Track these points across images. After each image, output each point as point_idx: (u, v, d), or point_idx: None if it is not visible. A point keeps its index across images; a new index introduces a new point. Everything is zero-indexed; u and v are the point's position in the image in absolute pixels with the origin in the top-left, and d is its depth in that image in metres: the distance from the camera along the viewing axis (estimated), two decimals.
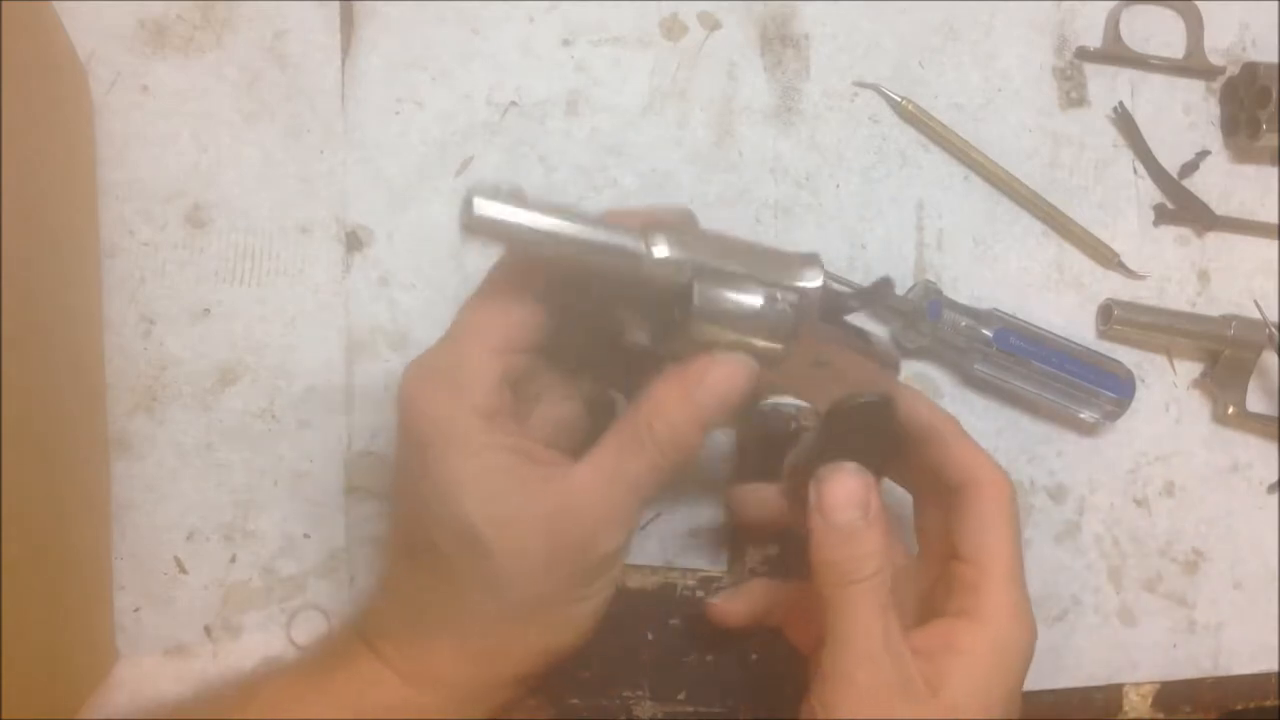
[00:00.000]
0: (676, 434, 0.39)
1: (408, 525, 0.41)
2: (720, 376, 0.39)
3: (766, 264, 0.40)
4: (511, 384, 0.39)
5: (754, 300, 0.39)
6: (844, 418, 0.43)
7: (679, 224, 0.41)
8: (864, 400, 0.42)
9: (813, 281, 0.40)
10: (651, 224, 0.39)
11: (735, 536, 0.57)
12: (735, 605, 0.52)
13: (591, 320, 0.43)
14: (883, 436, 0.43)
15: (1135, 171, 0.66)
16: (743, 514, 0.54)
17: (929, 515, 0.47)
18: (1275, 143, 0.65)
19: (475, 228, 0.36)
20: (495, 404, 0.38)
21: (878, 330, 0.60)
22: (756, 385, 0.40)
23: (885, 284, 0.44)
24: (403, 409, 0.39)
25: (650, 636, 0.55)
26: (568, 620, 0.40)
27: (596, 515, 0.38)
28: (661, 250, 0.38)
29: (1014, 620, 0.41)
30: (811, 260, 0.41)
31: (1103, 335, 0.64)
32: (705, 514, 0.57)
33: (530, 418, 0.42)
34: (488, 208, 0.36)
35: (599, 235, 0.37)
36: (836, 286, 0.42)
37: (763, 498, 0.52)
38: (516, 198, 0.36)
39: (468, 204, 0.35)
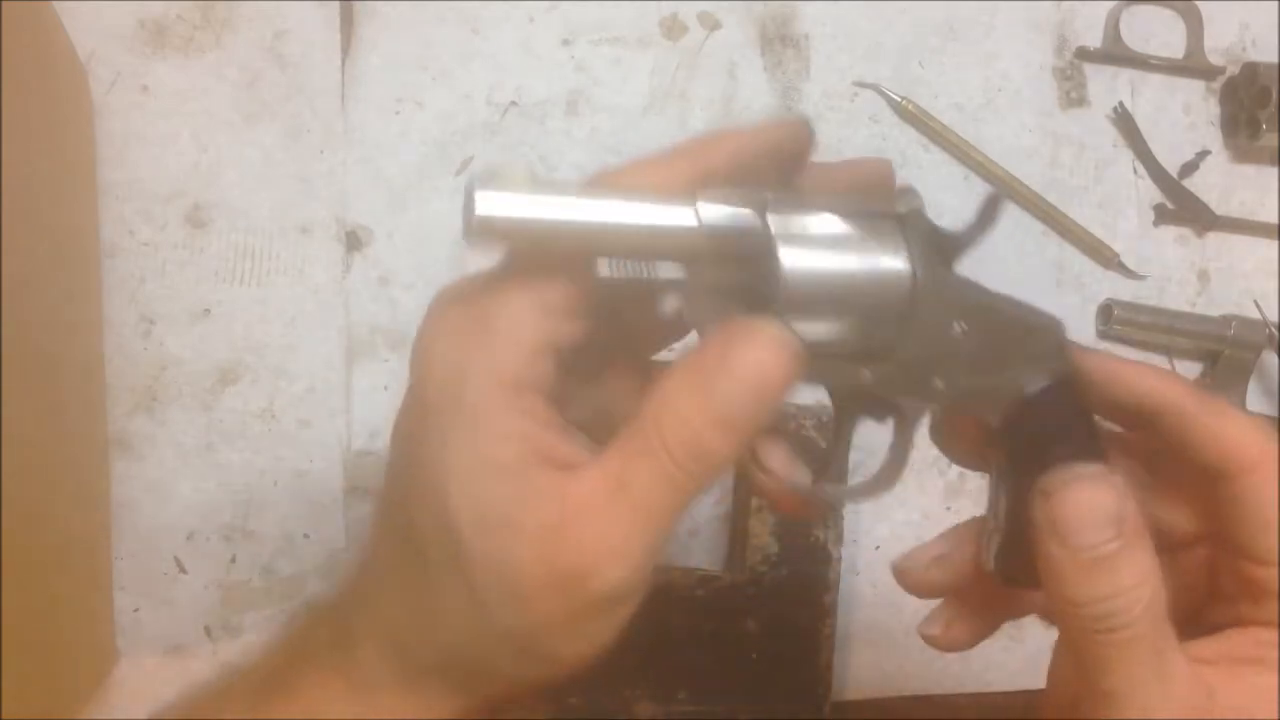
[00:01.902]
0: (694, 438, 0.29)
1: (394, 495, 0.33)
2: (749, 361, 0.29)
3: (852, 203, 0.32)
4: (556, 353, 0.31)
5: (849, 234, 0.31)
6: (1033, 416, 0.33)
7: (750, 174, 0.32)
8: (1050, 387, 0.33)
9: (913, 203, 0.32)
10: (702, 178, 0.31)
11: (735, 535, 0.57)
12: (962, 631, 0.39)
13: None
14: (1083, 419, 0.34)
15: (1135, 171, 0.66)
16: (919, 588, 0.39)
17: (1169, 500, 0.36)
18: (1275, 143, 0.65)
19: (481, 230, 0.28)
20: (528, 375, 0.30)
21: None
22: (801, 372, 0.30)
23: (995, 200, 0.33)
24: (417, 355, 0.32)
25: (650, 636, 0.55)
26: (553, 656, 0.32)
27: (595, 538, 0.30)
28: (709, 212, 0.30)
29: None
30: (906, 190, 0.32)
31: (1103, 335, 0.64)
32: (705, 513, 0.57)
33: (570, 399, 0.33)
34: (494, 204, 0.28)
35: (642, 217, 0.30)
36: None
37: (942, 559, 0.38)
38: (525, 182, 0.29)
39: (469, 198, 0.28)
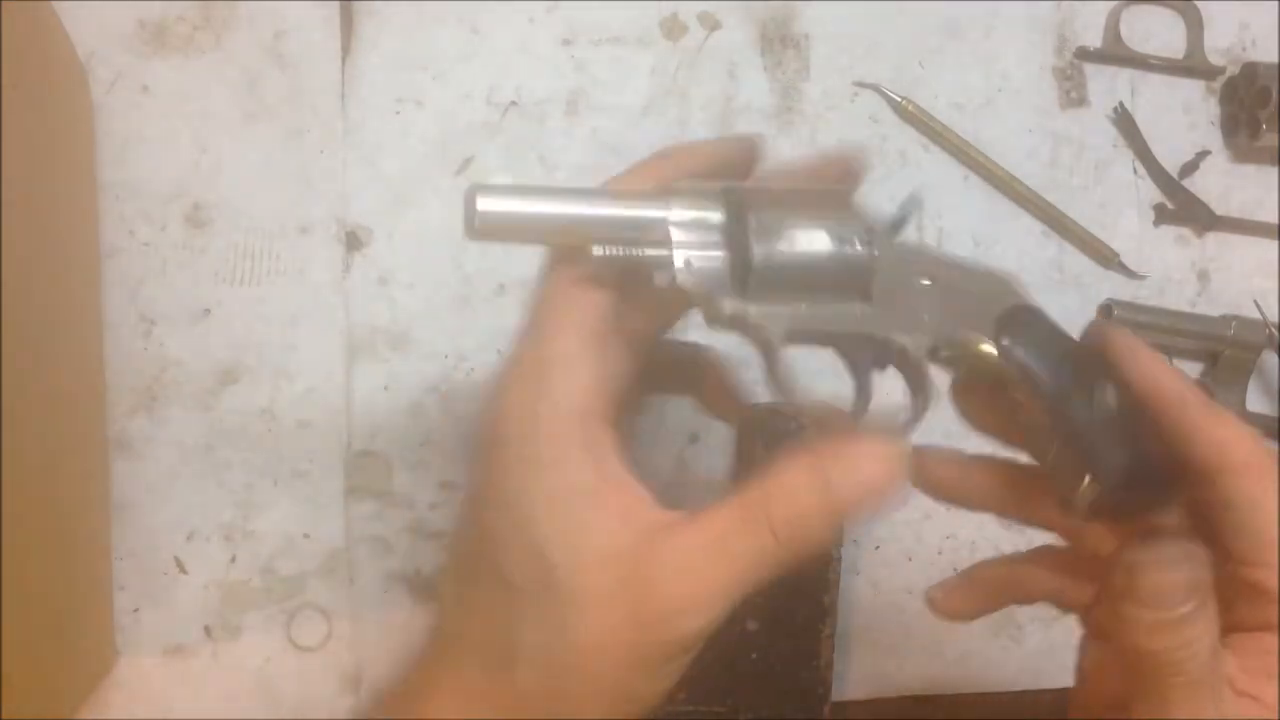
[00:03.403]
0: (803, 526, 0.32)
1: (473, 545, 0.35)
2: (869, 471, 0.32)
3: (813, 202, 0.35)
4: (609, 378, 0.34)
5: (820, 235, 0.34)
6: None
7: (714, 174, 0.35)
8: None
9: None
10: (669, 188, 0.34)
11: None
12: (961, 602, 0.41)
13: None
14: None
15: (1135, 171, 0.66)
16: (931, 486, 0.41)
17: None
18: (1275, 143, 0.65)
19: (483, 230, 0.32)
20: (590, 401, 0.32)
21: None
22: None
23: (914, 201, 0.36)
24: (484, 407, 0.34)
25: None
26: (627, 694, 0.33)
27: (686, 590, 0.31)
28: (679, 214, 0.33)
29: None
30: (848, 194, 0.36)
31: None
32: None
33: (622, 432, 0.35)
34: (494, 204, 0.32)
35: (619, 212, 0.33)
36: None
37: (967, 474, 0.40)
38: (520, 190, 0.33)
39: (470, 202, 0.32)
